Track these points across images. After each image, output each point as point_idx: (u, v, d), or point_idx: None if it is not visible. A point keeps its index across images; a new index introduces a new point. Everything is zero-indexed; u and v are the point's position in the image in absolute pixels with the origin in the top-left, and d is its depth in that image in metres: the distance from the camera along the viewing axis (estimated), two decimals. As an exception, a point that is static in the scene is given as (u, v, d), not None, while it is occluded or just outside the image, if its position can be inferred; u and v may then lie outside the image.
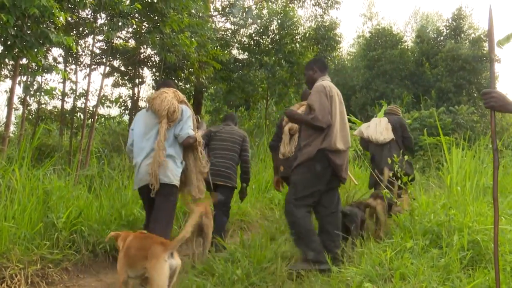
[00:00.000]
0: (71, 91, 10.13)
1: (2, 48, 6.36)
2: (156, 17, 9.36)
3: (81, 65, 10.44)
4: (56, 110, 10.43)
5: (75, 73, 10.27)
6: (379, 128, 7.43)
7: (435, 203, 5.75)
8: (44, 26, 6.55)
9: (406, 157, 7.14)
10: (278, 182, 6.69)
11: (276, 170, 6.62)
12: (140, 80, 11.71)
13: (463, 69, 24.95)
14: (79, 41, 9.81)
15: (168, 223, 4.61)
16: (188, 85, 12.82)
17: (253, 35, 15.54)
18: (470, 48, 25.70)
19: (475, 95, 25.75)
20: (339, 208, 5.03)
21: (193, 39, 9.71)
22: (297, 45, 15.67)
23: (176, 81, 12.28)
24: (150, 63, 11.58)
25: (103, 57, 10.50)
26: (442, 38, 27.81)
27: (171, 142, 4.77)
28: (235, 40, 15.52)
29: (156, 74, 11.79)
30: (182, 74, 11.71)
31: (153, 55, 11.35)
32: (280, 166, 6.42)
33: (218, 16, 15.28)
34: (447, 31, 27.81)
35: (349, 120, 16.50)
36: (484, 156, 8.72)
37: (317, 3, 17.01)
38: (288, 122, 6.23)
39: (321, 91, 4.82)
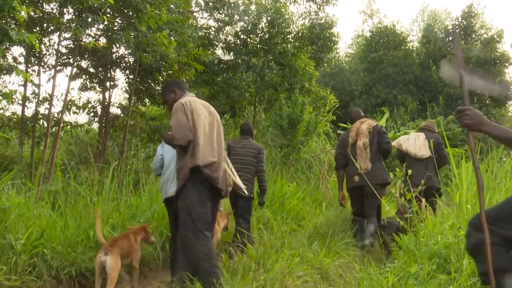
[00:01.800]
0: (33, 95, 10.06)
1: (-45, 46, 6.32)
2: (131, 13, 9.37)
3: (45, 66, 10.39)
4: (15, 116, 10.37)
5: (38, 74, 10.21)
6: (417, 143, 8.36)
7: (443, 223, 5.79)
8: (3, 21, 6.53)
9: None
10: (344, 198, 8.04)
11: (340, 186, 7.95)
12: (111, 83, 11.69)
13: (474, 73, 25.23)
14: (43, 39, 9.78)
15: None
16: (166, 89, 12.79)
17: (240, 33, 15.60)
18: (482, 50, 25.92)
19: (487, 102, 25.95)
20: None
21: (172, 38, 9.72)
22: (289, 45, 15.74)
23: (152, 84, 12.27)
24: (123, 65, 11.57)
25: (70, 57, 10.48)
26: (451, 38, 28.07)
27: None
28: (219, 39, 15.57)
29: (130, 76, 11.78)
30: (160, 77, 11.71)
31: (126, 56, 11.34)
32: (353, 175, 7.55)
33: (201, 12, 15.33)
34: (457, 31, 28.10)
35: (345, 129, 16.58)
36: (498, 170, 8.78)
37: (311, -2, 17.12)
38: (359, 138, 7.56)
39: (178, 109, 5.09)
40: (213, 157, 5.08)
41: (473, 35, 27.66)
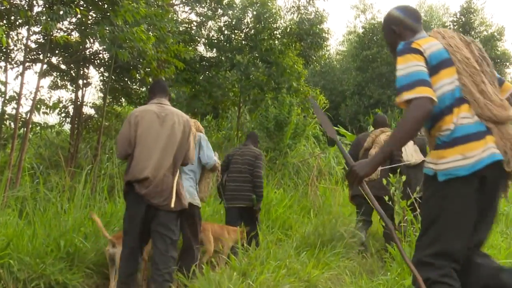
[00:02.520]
0: (0, 93, 10.01)
1: None
2: (106, 6, 9.35)
3: (13, 62, 10.33)
4: (-20, 116, 10.29)
5: (5, 71, 10.15)
6: (408, 150, 8.45)
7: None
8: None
9: None
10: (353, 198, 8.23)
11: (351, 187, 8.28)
12: (84, 81, 11.66)
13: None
14: (11, 33, 9.73)
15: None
16: (144, 88, 12.82)
17: (224, 28, 15.62)
18: (482, 48, 26.21)
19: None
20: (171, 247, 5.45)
21: (150, 33, 9.71)
22: (276, 42, 15.79)
23: (129, 83, 12.25)
24: (98, 61, 11.54)
25: (40, 52, 10.43)
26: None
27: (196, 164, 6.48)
28: (201, 35, 15.57)
29: (104, 74, 11.75)
30: (137, 75, 11.70)
31: (101, 52, 11.32)
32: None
33: (181, 5, 15.35)
34: (455, 28, 28.24)
35: (338, 133, 16.65)
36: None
37: (300, -8, 17.18)
38: (374, 146, 7.94)
39: (126, 121, 5.53)
40: (148, 172, 5.26)
41: (472, 33, 27.88)
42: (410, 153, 8.44)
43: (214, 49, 15.79)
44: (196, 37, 15.27)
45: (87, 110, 12.22)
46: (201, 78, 15.17)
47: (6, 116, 9.90)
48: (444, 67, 3.29)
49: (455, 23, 28.17)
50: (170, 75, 11.60)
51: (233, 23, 15.41)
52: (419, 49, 3.30)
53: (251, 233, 7.58)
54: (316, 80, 27.50)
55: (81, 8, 9.05)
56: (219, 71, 15.47)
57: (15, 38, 10.07)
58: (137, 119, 5.42)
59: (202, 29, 15.69)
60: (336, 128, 16.57)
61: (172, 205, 5.26)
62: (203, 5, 15.04)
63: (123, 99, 12.97)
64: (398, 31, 3.67)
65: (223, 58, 15.47)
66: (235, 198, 8.05)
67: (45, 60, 10.32)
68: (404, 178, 7.10)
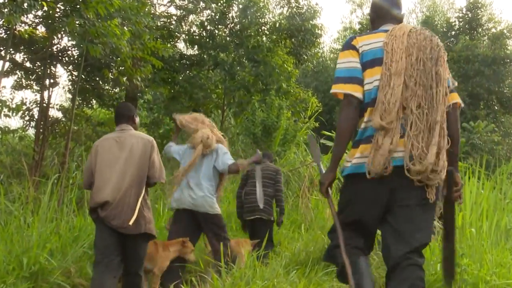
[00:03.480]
0: (-44, 94, 9.95)
1: None
2: (76, -3, 9.33)
3: (-29, 59, 10.29)
4: None
5: (-38, 69, 10.10)
6: None
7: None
8: None
9: None
10: None
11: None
12: (51, 81, 11.59)
13: (480, 74, 25.45)
14: (-31, 26, 9.69)
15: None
16: (118, 89, 12.77)
17: (206, 23, 15.62)
18: (490, 47, 26.25)
19: (496, 108, 26.31)
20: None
21: (125, 28, 9.69)
22: (264, 39, 15.82)
23: (101, 83, 12.21)
24: (66, 59, 11.49)
25: (2, 49, 10.38)
26: (453, 33, 28.41)
27: (211, 172, 7.36)
28: (181, 30, 15.56)
29: (73, 73, 11.70)
30: (110, 74, 11.66)
31: (70, 48, 11.28)
32: None
33: (160, -3, 15.35)
34: (460, 24, 28.41)
35: (330, 138, 16.67)
36: (507, 188, 8.92)
37: (291, -16, 17.23)
38: None
39: (90, 153, 6.16)
40: (106, 196, 5.73)
41: (480, 30, 28.04)
42: None
43: (196, 46, 15.81)
44: (176, 33, 15.24)
45: (54, 113, 12.14)
46: (181, 78, 15.15)
47: (-36, 119, 9.85)
48: (370, 66, 3.74)
49: (460, 19, 28.32)
50: (147, 74, 11.57)
51: (217, 17, 15.42)
52: (356, 46, 3.81)
53: (267, 248, 7.78)
54: (308, 81, 27.55)
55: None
56: (201, 70, 15.47)
57: (-26, 32, 10.03)
58: (97, 149, 6.02)
59: (183, 24, 15.67)
60: (330, 133, 16.57)
61: (130, 222, 5.62)
62: (183, -3, 15.05)
63: (94, 101, 12.93)
64: (372, 17, 4.20)
65: (205, 56, 15.47)
66: (254, 210, 8.71)
67: (8, 57, 10.26)
68: None
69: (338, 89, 3.78)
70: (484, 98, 25.54)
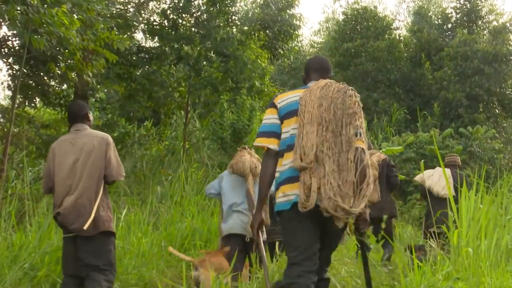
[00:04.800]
0: None
1: None
2: (17, -20, 9.27)
3: None
4: None
5: None
6: (442, 181, 10.26)
7: (435, 271, 5.89)
8: None
9: None
10: None
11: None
12: (-12, 75, 11.51)
13: (479, 73, 25.66)
14: None
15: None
16: (65, 86, 12.70)
17: (168, 12, 15.60)
18: (491, 42, 26.46)
19: (497, 111, 26.52)
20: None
21: (74, 16, 9.64)
22: (235, 30, 15.83)
23: (46, 78, 12.12)
24: (6, 51, 11.41)
25: None
26: (449, 25, 28.64)
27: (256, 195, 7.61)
28: (140, 19, 15.52)
29: (14, 66, 11.62)
30: (56, 69, 11.57)
31: (10, 38, 11.20)
32: None
33: (115, -19, 15.30)
34: (458, 16, 28.66)
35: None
36: (510, 202, 8.99)
37: (265, -32, 17.26)
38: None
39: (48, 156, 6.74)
40: (64, 202, 6.23)
41: (479, 22, 28.29)
42: (442, 185, 10.28)
43: (156, 38, 15.75)
44: (133, 22, 15.20)
45: (-9, 114, 12.06)
46: (138, 74, 15.10)
47: None
48: (288, 117, 4.98)
49: (458, 10, 28.52)
50: (99, 69, 11.51)
51: (181, 5, 15.41)
52: (275, 103, 5.11)
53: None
54: (285, 78, 27.65)
55: (-15, -18, 8.96)
56: (162, 65, 15.44)
57: None
58: (54, 151, 6.51)
59: (141, 12, 15.63)
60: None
61: (85, 227, 6.06)
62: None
63: (38, 99, 12.82)
64: (303, 77, 5.53)
65: (167, 49, 15.44)
66: (275, 233, 8.97)
67: None
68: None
69: (259, 142, 5.10)
70: (484, 100, 25.72)
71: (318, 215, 4.65)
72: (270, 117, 5.12)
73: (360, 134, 4.90)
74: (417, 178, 11.28)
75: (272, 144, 5.02)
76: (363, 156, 4.83)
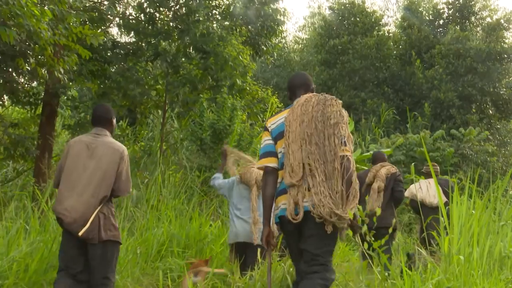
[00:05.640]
0: None
1: None
2: (-16, -30, 9.26)
3: None
4: None
5: None
6: (431, 191, 11.24)
7: (425, 280, 5.95)
8: None
9: None
10: None
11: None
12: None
13: (472, 71, 25.81)
14: None
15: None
16: (35, 83, 12.68)
17: (145, 5, 15.59)
18: (484, 39, 26.61)
19: (490, 112, 26.68)
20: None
21: (46, 8, 9.63)
22: (215, 25, 15.83)
23: (14, 75, 12.09)
24: (-28, 45, 11.39)
25: None
26: (441, 22, 28.77)
27: (260, 207, 8.33)
28: (115, 13, 15.50)
29: (-21, 62, 11.58)
30: (26, 65, 11.56)
31: (-24, 32, 11.17)
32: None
33: (88, -28, 15.28)
34: (450, 12, 28.78)
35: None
36: (503, 207, 9.07)
37: (248, -41, 17.30)
38: (376, 180, 10.06)
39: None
40: (69, 207, 6.50)
41: (473, 19, 28.44)
42: (433, 194, 11.11)
43: (132, 33, 15.75)
44: (108, 16, 15.20)
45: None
46: (113, 70, 15.08)
47: None
48: (279, 139, 5.69)
49: (450, 6, 28.63)
50: (71, 66, 11.52)
51: (158, -2, 15.42)
52: (268, 127, 5.84)
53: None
54: (268, 76, 27.67)
55: None
56: (138, 61, 15.42)
57: None
58: (68, 150, 6.82)
59: (116, 6, 15.61)
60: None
61: (80, 233, 6.38)
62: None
63: (6, 97, 12.79)
64: (288, 95, 6.14)
65: (143, 44, 15.43)
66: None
67: None
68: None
69: (259, 164, 5.87)
70: (477, 100, 25.87)
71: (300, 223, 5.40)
72: (265, 139, 5.85)
73: (345, 143, 5.50)
74: (407, 194, 11.74)
75: (270, 162, 5.73)
76: (348, 164, 5.43)
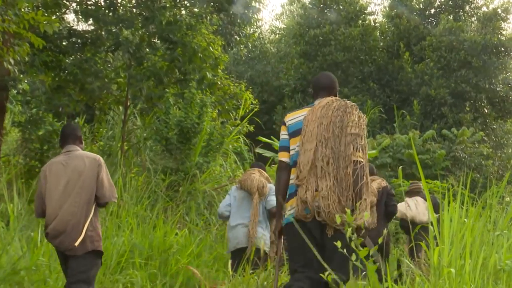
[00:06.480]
0: None
1: None
2: None
3: None
4: None
5: None
6: (420, 208, 12.34)
7: (412, 295, 5.99)
8: None
9: None
10: None
11: None
12: None
13: (466, 66, 25.96)
14: None
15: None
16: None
17: (105, -10, 15.58)
18: (480, 31, 26.76)
19: (485, 110, 26.84)
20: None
21: (-7, -8, 9.59)
22: (183, 12, 15.84)
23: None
24: None
25: None
26: (433, 11, 28.91)
27: (261, 212, 10.01)
28: (71, -2, 15.47)
29: None
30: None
31: None
32: None
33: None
34: (442, 1, 28.92)
35: (272, 148, 16.78)
36: (499, 216, 9.13)
37: None
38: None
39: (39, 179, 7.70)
40: (53, 221, 7.08)
41: (467, 8, 28.61)
42: (422, 211, 12.18)
43: (91, 20, 15.69)
44: (64, 1, 15.14)
45: None
46: (69, 61, 15.01)
47: None
48: (294, 136, 6.21)
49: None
50: (23, 56, 11.47)
51: (120, -19, 15.39)
52: (285, 121, 6.38)
53: None
54: (241, 69, 27.67)
55: None
56: (97, 52, 15.38)
57: None
58: (45, 173, 7.33)
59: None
60: (268, 140, 16.69)
61: (76, 244, 6.92)
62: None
63: None
64: (311, 92, 6.86)
65: (103, 33, 15.39)
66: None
67: None
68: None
69: (279, 157, 6.34)
70: (471, 98, 26.01)
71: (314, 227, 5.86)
72: (282, 134, 6.42)
73: (361, 150, 5.99)
74: (397, 214, 12.20)
75: (284, 157, 6.31)
76: (361, 172, 5.90)
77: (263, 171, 10.68)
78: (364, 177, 5.92)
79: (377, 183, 11.03)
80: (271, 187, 10.23)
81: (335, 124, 6.00)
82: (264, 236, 10.01)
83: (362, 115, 6.14)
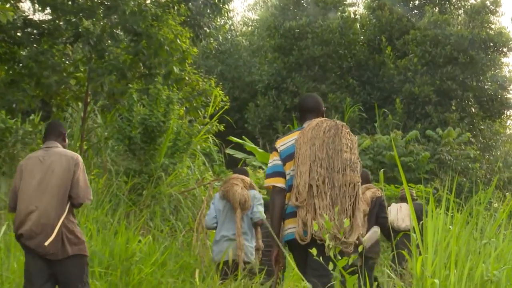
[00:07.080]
0: None
1: None
2: None
3: None
4: None
5: None
6: (400, 215, 12.92)
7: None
8: None
9: None
10: None
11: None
12: None
13: (453, 62, 26.11)
14: None
15: None
16: None
17: (64, -23, 15.52)
18: (467, 24, 26.91)
19: (472, 110, 27.00)
20: None
21: None
22: (148, 1, 15.82)
23: None
24: None
25: None
26: (417, 3, 29.07)
27: (245, 223, 10.43)
28: (27, -15, 15.40)
29: None
30: None
31: None
32: None
33: None
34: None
35: (244, 148, 16.78)
36: (486, 223, 9.17)
37: None
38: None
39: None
40: (27, 222, 7.25)
41: (454, 0, 28.69)
42: (402, 217, 12.83)
43: (48, 9, 15.63)
44: (19, -12, 15.10)
45: None
46: (24, 54, 14.97)
47: None
48: (288, 160, 6.61)
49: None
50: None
51: (80, -31, 15.34)
52: (277, 147, 6.76)
53: None
54: (211, 64, 27.70)
55: None
56: (55, 44, 15.33)
57: None
58: (21, 168, 7.61)
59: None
60: (239, 140, 16.68)
61: (46, 243, 7.05)
62: None
63: None
64: (297, 116, 7.68)
65: (61, 23, 15.33)
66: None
67: None
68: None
69: (267, 183, 6.77)
70: (458, 96, 26.14)
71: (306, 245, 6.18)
72: (274, 159, 6.80)
73: (355, 171, 6.50)
74: None
75: (278, 182, 6.66)
76: (355, 192, 6.41)
77: (246, 178, 10.91)
78: (357, 198, 6.43)
79: (372, 192, 11.34)
80: (255, 194, 10.61)
81: (328, 145, 6.44)
82: (248, 248, 10.38)
83: (353, 137, 6.63)
